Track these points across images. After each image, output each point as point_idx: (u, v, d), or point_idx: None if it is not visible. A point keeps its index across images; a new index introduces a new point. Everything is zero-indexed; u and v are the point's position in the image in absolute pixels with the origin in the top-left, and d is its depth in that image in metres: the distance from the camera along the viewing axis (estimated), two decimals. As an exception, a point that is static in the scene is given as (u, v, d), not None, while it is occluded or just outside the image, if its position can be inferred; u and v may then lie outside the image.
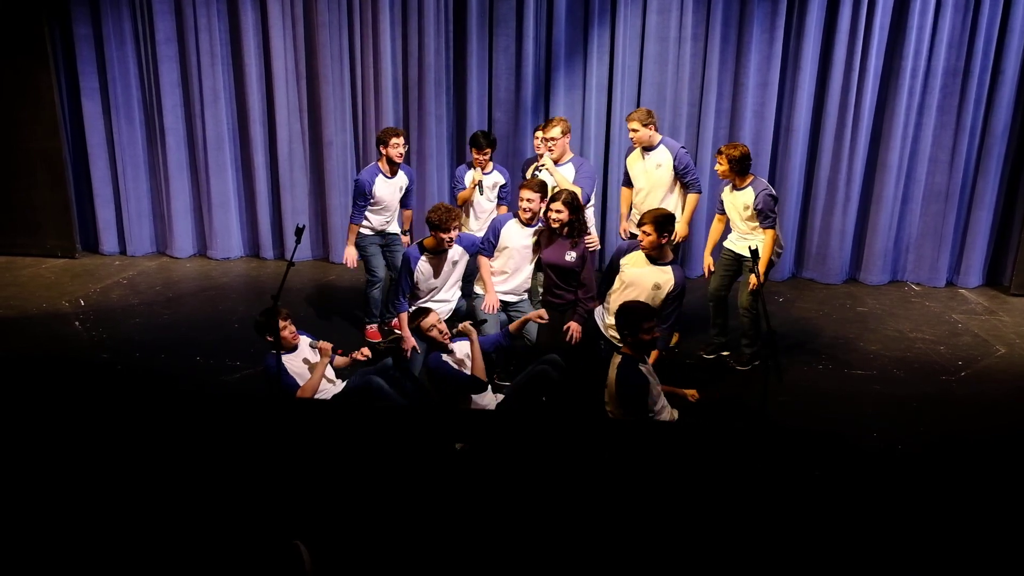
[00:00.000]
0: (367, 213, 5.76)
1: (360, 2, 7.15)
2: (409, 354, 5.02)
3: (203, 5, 7.22)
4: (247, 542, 3.28)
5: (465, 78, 7.20)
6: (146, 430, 3.91)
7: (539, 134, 5.65)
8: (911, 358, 5.80)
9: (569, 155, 5.68)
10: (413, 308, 4.90)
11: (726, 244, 5.59)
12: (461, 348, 4.64)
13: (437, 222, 4.90)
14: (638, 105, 7.10)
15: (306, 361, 4.56)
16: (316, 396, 4.54)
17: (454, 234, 4.96)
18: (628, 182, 5.85)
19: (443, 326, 4.58)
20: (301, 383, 4.47)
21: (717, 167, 5.38)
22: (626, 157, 5.85)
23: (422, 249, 5.07)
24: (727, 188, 5.48)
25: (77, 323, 6.27)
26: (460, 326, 4.67)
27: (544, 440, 3.79)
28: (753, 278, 5.22)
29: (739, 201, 5.34)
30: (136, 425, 3.96)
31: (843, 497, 3.85)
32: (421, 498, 3.48)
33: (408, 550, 3.30)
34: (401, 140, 5.67)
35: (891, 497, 4.11)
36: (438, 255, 5.06)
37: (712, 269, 5.65)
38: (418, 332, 4.60)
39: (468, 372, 4.56)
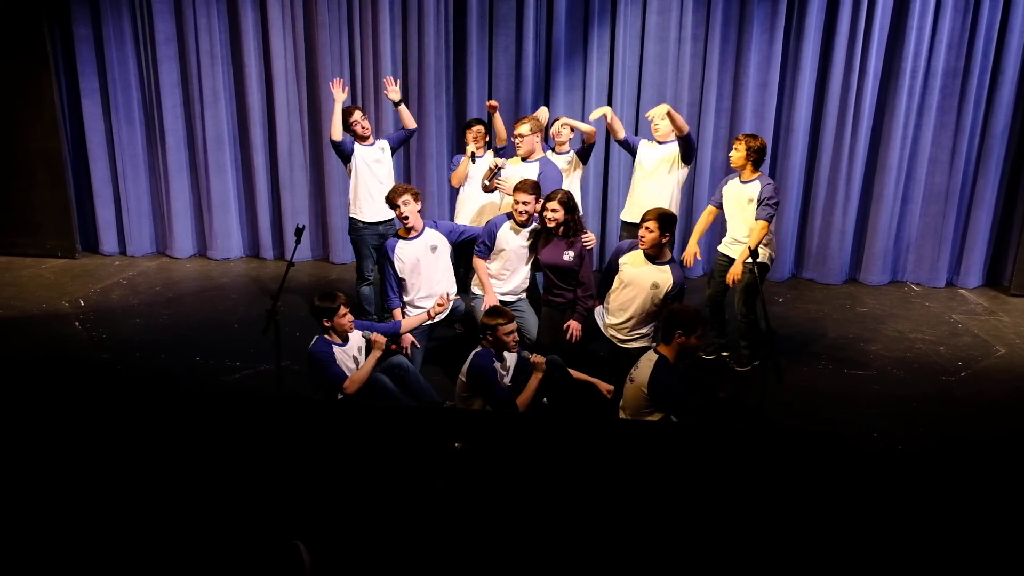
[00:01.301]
0: (361, 199, 5.80)
1: (360, 3, 7.15)
2: (409, 351, 5.02)
3: (203, 6, 7.22)
4: (247, 542, 3.27)
5: (465, 78, 7.20)
6: (146, 430, 3.91)
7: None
8: (911, 358, 5.80)
9: (539, 154, 5.68)
10: (490, 306, 4.82)
11: (721, 249, 5.56)
12: (511, 359, 4.59)
13: (386, 199, 5.13)
14: (638, 105, 7.11)
15: (356, 358, 4.55)
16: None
17: (404, 209, 5.01)
18: (630, 143, 5.86)
19: (517, 336, 4.49)
20: (348, 374, 4.46)
21: (733, 153, 5.33)
22: (641, 139, 5.89)
23: (397, 236, 5.15)
24: (732, 180, 5.45)
25: (77, 323, 6.27)
26: (535, 359, 4.52)
27: (544, 440, 3.79)
28: (744, 251, 5.18)
29: (744, 194, 5.31)
30: (136, 425, 3.96)
31: (843, 497, 3.85)
32: (421, 498, 3.48)
33: (408, 550, 3.30)
34: (357, 115, 5.80)
35: (891, 497, 4.10)
36: (411, 239, 5.11)
37: (698, 257, 5.60)
38: (491, 330, 4.43)
39: (506, 385, 4.54)
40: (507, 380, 4.55)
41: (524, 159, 5.67)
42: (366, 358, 4.59)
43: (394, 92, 5.93)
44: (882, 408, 5.08)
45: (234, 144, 7.63)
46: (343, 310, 4.46)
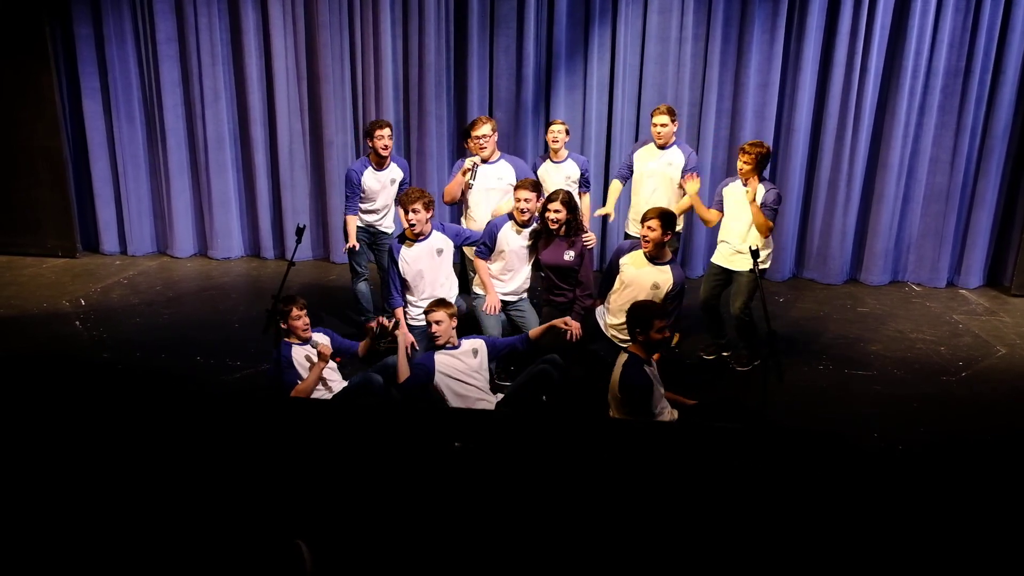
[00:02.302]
0: (361, 209, 5.79)
1: (361, 2, 7.15)
2: (409, 351, 5.02)
3: (204, 5, 7.22)
4: (248, 542, 3.27)
5: (466, 78, 7.20)
6: (146, 430, 3.91)
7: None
8: (911, 358, 5.80)
9: (498, 154, 5.60)
10: (435, 299, 4.84)
11: (715, 260, 5.52)
12: (468, 344, 4.65)
13: (399, 202, 5.07)
14: (639, 105, 7.11)
15: (308, 359, 4.57)
16: (317, 397, 4.55)
17: (411, 216, 4.96)
18: (623, 176, 5.85)
19: (442, 328, 4.54)
20: (304, 375, 4.49)
21: (742, 165, 5.23)
22: (633, 152, 5.83)
23: (402, 239, 5.12)
24: (733, 184, 5.41)
25: (78, 323, 6.28)
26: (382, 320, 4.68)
27: (544, 440, 3.79)
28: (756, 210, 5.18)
29: (747, 195, 5.29)
30: (136, 425, 3.96)
31: (843, 497, 3.85)
32: (421, 498, 3.48)
33: (408, 550, 3.30)
34: (386, 132, 5.65)
35: (891, 497, 4.10)
36: (417, 242, 5.08)
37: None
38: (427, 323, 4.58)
39: (468, 373, 4.57)
40: (462, 367, 4.57)
41: (486, 161, 5.51)
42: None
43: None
44: (883, 408, 5.08)
45: (235, 144, 7.63)
46: (295, 312, 4.50)
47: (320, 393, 4.55)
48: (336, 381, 4.66)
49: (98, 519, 3.44)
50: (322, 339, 4.64)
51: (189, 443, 3.78)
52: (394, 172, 5.82)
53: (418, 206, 4.97)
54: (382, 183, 5.76)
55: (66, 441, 3.87)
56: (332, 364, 4.63)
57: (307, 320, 4.55)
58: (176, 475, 3.60)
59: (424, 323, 5.15)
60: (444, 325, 4.54)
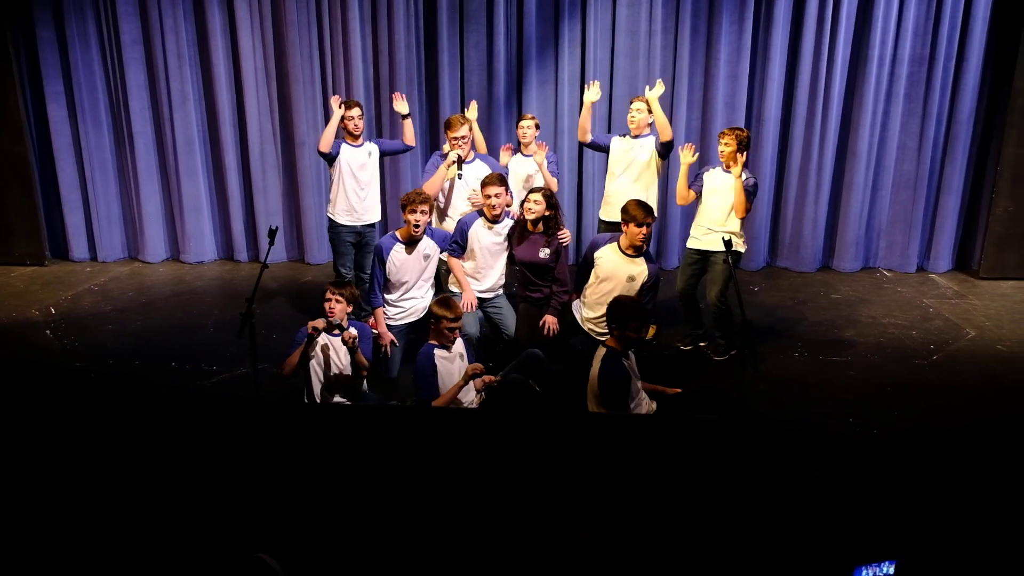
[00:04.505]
0: (339, 203, 5.78)
1: (329, 0, 7.09)
2: (389, 351, 5.00)
3: (169, 6, 7.12)
4: (217, 554, 3.24)
5: (437, 75, 7.18)
6: (120, 436, 3.87)
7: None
8: (884, 343, 5.88)
9: (473, 153, 5.67)
10: (439, 296, 4.82)
11: (690, 244, 5.57)
12: (457, 347, 4.61)
13: (403, 202, 5.03)
14: (610, 99, 7.12)
15: (326, 341, 4.56)
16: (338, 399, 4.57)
17: (419, 217, 4.95)
18: (595, 145, 5.88)
19: (458, 333, 4.53)
20: (318, 366, 4.53)
21: (724, 148, 5.31)
22: (612, 137, 5.85)
23: (396, 239, 5.08)
24: (713, 170, 5.45)
25: (48, 332, 6.17)
26: (470, 368, 4.42)
27: (526, 437, 3.79)
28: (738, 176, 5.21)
29: (728, 183, 5.32)
30: (109, 432, 3.91)
31: (820, 483, 3.89)
32: (406, 500, 3.48)
33: (396, 552, 3.29)
34: (356, 111, 5.74)
35: (868, 482, 4.16)
36: (410, 245, 5.06)
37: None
38: (436, 320, 4.50)
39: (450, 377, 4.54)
40: (454, 370, 4.54)
41: (463, 160, 5.55)
42: (351, 358, 4.59)
43: (402, 105, 5.82)
44: (857, 393, 5.15)
45: (204, 146, 7.54)
46: (328, 294, 4.51)
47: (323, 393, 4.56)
48: (344, 366, 4.61)
49: (69, 528, 3.39)
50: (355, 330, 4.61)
51: (162, 449, 3.74)
52: (370, 147, 5.87)
53: (426, 207, 4.98)
54: (360, 156, 5.79)
55: (38, 449, 3.81)
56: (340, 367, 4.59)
57: (334, 308, 4.47)
58: (153, 482, 3.56)
59: (401, 323, 5.16)
60: (456, 324, 4.52)
